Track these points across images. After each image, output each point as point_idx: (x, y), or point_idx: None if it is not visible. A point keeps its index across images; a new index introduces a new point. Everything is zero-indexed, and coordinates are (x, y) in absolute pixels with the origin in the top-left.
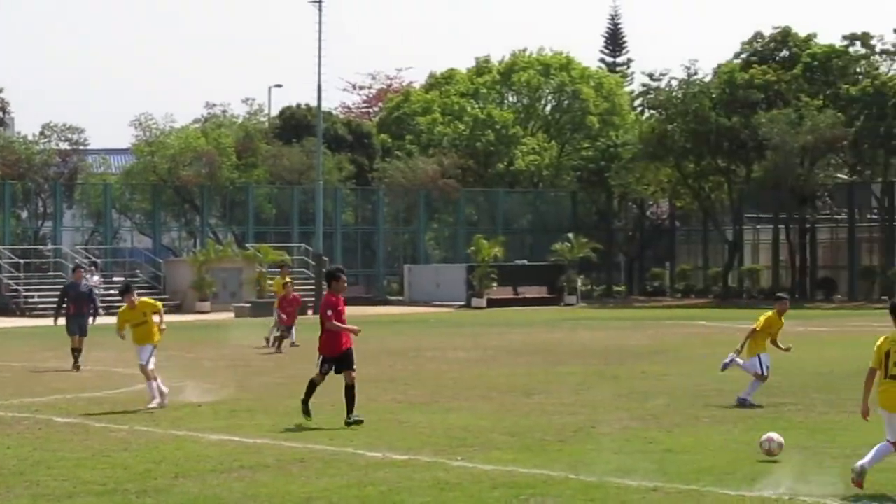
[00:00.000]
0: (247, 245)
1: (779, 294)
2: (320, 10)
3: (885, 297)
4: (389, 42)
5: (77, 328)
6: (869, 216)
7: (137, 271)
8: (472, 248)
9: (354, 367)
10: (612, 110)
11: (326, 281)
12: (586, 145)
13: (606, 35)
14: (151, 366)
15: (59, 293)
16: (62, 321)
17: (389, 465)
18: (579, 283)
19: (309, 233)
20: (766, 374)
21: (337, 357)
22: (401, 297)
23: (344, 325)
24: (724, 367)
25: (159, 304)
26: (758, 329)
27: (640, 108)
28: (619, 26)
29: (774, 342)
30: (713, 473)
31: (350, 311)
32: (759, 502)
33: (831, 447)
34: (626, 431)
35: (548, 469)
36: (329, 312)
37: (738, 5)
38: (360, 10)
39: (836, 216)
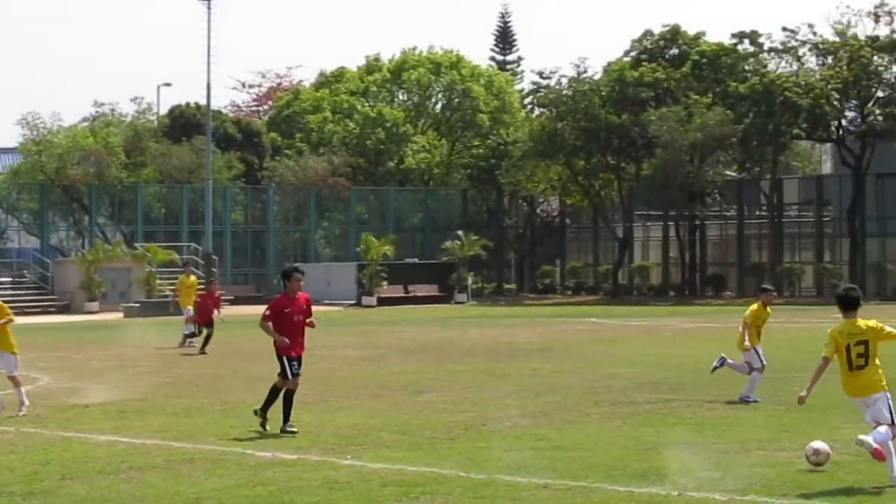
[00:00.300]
0: (136, 245)
1: (764, 286)
2: (209, 7)
3: (773, 292)
4: (279, 40)
5: None
6: (758, 213)
7: (25, 272)
8: (363, 246)
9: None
10: (503, 108)
11: (281, 279)
12: (476, 143)
13: (496, 33)
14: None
15: None
16: None
17: (279, 465)
18: (470, 281)
19: (199, 232)
20: (764, 363)
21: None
22: None
23: (274, 334)
24: (714, 368)
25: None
26: (748, 322)
27: (530, 106)
28: (509, 24)
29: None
30: (602, 470)
31: (240, 310)
32: (647, 498)
33: (720, 442)
34: (516, 429)
35: (438, 467)
36: (268, 313)
37: (628, 3)
38: (250, 7)
39: (725, 213)
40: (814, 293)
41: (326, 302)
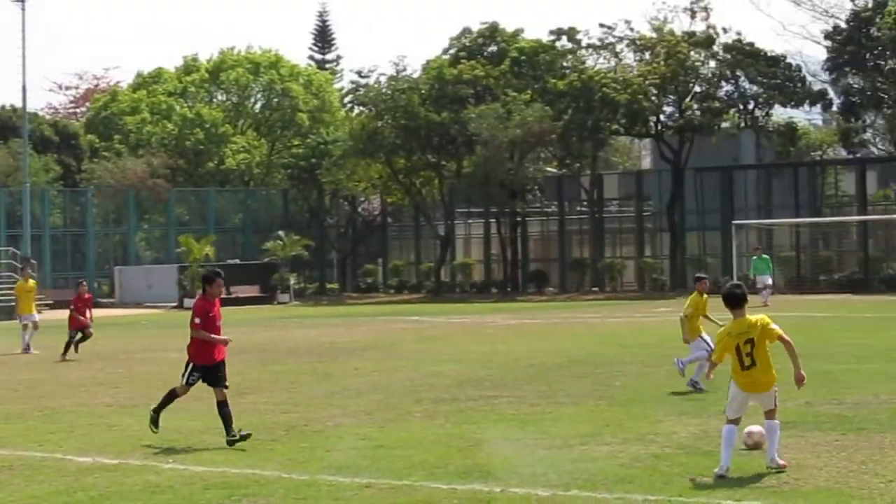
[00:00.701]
0: None
1: (697, 275)
2: (23, 8)
3: (595, 288)
4: (96, 41)
5: None
6: (578, 208)
7: None
8: (183, 248)
9: (227, 383)
10: (322, 107)
11: (202, 284)
12: (297, 143)
13: (315, 32)
14: None
15: None
16: None
17: (99, 470)
18: (292, 281)
19: (17, 236)
20: (711, 348)
21: (210, 367)
22: (112, 299)
23: (213, 336)
24: (681, 369)
25: None
26: (687, 315)
27: (349, 105)
28: (328, 23)
29: (707, 317)
30: (425, 468)
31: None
32: (470, 495)
33: (542, 438)
34: (338, 428)
35: (260, 469)
36: (197, 320)
37: (447, 1)
38: (66, 8)
39: (546, 209)
40: (635, 287)
41: (148, 304)
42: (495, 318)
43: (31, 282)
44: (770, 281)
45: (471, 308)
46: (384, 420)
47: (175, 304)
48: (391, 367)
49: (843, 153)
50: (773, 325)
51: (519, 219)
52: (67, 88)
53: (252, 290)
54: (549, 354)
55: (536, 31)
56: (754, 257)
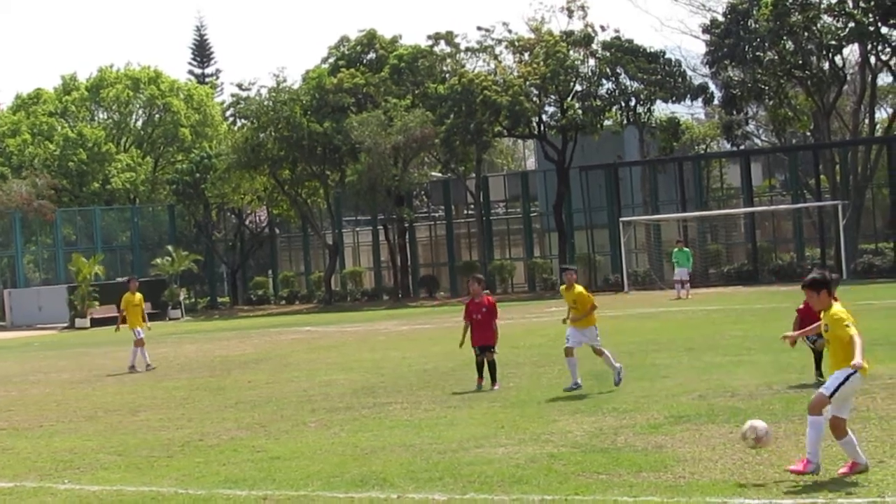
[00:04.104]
0: None
1: (563, 266)
2: None
3: (486, 291)
4: None
5: None
6: (466, 212)
7: None
8: (73, 267)
9: None
10: (204, 122)
11: None
12: (180, 158)
13: (193, 47)
14: None
15: None
16: None
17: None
18: (183, 297)
19: None
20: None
21: None
22: (2, 323)
23: None
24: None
25: None
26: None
27: (231, 119)
28: (206, 38)
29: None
30: (322, 477)
31: None
32: (368, 502)
33: (437, 442)
34: (233, 442)
35: (156, 485)
36: None
37: (323, 11)
38: None
39: (433, 214)
40: (525, 288)
41: (39, 326)
42: (387, 325)
43: (139, 295)
44: (687, 275)
45: (362, 316)
46: (279, 431)
47: (66, 325)
48: (284, 378)
49: (727, 146)
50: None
51: (407, 225)
52: None
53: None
54: (441, 358)
55: (414, 36)
56: (675, 249)
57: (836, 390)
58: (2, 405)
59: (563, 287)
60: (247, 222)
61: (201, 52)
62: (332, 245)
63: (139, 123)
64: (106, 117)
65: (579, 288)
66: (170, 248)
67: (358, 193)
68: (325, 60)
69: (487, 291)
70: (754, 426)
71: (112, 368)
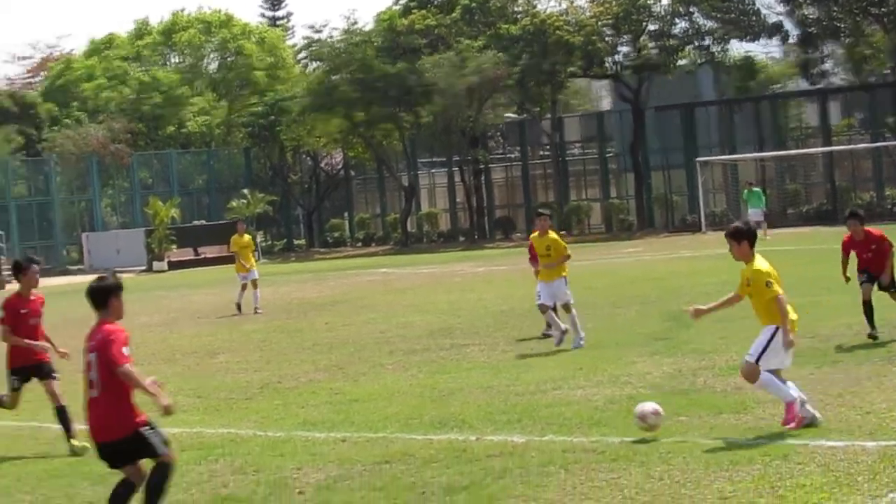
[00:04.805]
0: None
1: (539, 210)
2: None
3: (563, 232)
4: (48, 9)
5: None
6: (541, 153)
7: None
8: (150, 211)
9: (55, 375)
10: (277, 64)
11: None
12: (255, 101)
13: None
14: None
15: None
16: None
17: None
18: (259, 240)
19: None
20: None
21: (30, 367)
22: (81, 266)
23: (27, 342)
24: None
25: None
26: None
27: (304, 61)
28: None
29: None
30: (400, 419)
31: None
32: (447, 444)
33: (515, 384)
34: (311, 384)
35: (235, 427)
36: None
37: None
38: None
39: (509, 155)
40: (602, 229)
41: (117, 269)
42: (463, 267)
43: (247, 237)
44: (762, 215)
45: (438, 258)
46: (357, 373)
47: (144, 268)
48: (361, 320)
49: (804, 85)
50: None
51: (482, 166)
52: (22, 59)
53: (220, 250)
54: (518, 301)
55: None
56: (745, 190)
57: (760, 356)
58: (81, 350)
59: (534, 234)
60: (322, 165)
61: None
62: (407, 187)
63: (212, 67)
64: (179, 61)
65: (554, 234)
66: (245, 191)
67: (433, 135)
68: (396, 2)
69: (564, 232)
70: (643, 413)
71: (189, 311)
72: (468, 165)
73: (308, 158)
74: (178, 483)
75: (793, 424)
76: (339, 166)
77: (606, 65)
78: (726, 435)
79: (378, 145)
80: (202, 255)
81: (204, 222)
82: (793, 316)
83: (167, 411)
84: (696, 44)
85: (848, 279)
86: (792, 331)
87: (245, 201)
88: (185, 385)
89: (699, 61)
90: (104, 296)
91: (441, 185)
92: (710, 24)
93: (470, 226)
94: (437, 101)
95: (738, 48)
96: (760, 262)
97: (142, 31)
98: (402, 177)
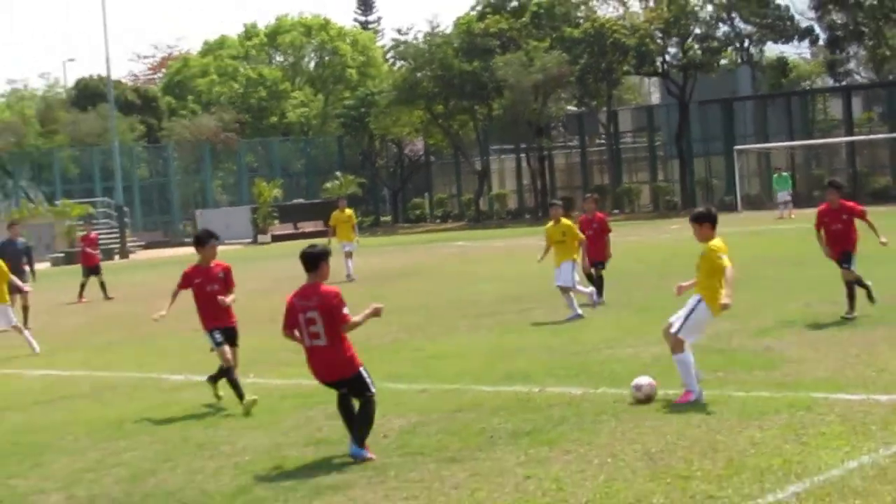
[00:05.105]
0: (56, 202)
1: (551, 201)
2: None
3: (615, 211)
4: (167, 14)
5: (15, 287)
6: (597, 141)
7: None
8: (255, 190)
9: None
10: (368, 63)
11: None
12: (347, 95)
13: None
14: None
15: None
16: None
17: (191, 387)
18: None
19: (110, 188)
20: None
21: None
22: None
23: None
24: (594, 302)
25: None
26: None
27: (391, 60)
28: None
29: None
30: (472, 373)
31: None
32: (513, 395)
33: (573, 344)
34: (395, 343)
35: None
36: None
37: None
38: None
39: (569, 143)
40: (650, 209)
41: (227, 242)
42: (529, 241)
43: (348, 211)
44: (789, 197)
45: (507, 233)
46: (435, 333)
47: (250, 241)
48: (439, 287)
49: (830, 82)
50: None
51: (545, 153)
52: (145, 57)
53: (316, 225)
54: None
55: None
56: (775, 176)
57: (681, 327)
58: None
59: (549, 224)
60: (405, 151)
61: (364, 2)
62: (480, 171)
63: (311, 65)
64: (282, 60)
65: (567, 221)
66: (338, 173)
67: (503, 125)
68: (473, 8)
69: (617, 210)
70: (639, 384)
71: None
72: (534, 152)
73: (393, 145)
74: (279, 427)
75: (682, 401)
76: (421, 152)
77: (656, 64)
78: (757, 389)
79: (455, 134)
80: (301, 230)
81: (302, 201)
82: (730, 302)
83: (377, 314)
84: (736, 45)
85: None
86: (730, 296)
87: (338, 182)
88: (286, 343)
89: (738, 61)
90: (316, 260)
91: (510, 169)
92: (748, 28)
93: (534, 205)
94: (507, 95)
95: (772, 49)
96: (716, 242)
97: (250, 33)
98: (475, 162)
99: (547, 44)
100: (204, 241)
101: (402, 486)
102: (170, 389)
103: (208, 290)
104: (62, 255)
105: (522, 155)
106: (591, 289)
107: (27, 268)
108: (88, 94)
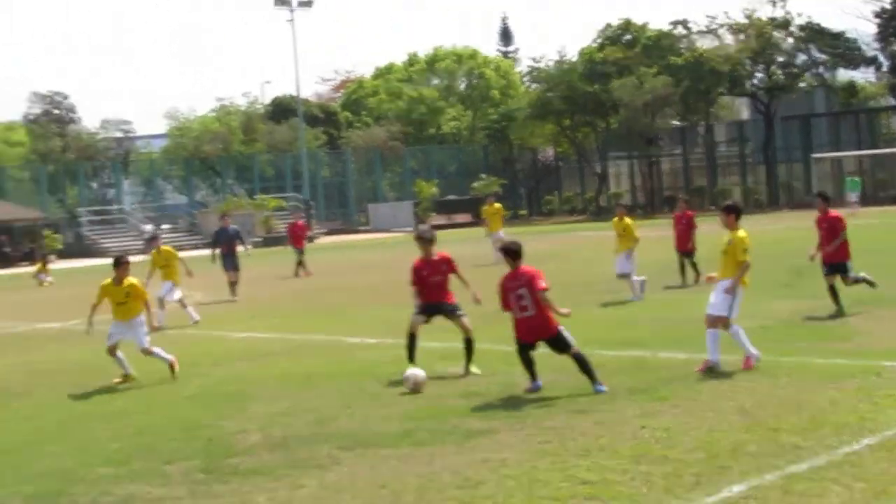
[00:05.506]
0: (255, 197)
1: (617, 202)
2: (293, 27)
3: (712, 207)
4: (346, 45)
5: (230, 265)
6: (697, 150)
7: (179, 220)
8: (416, 188)
9: (460, 313)
10: (508, 85)
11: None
12: (491, 111)
13: (500, 32)
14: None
15: (211, 238)
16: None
17: (365, 347)
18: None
19: (299, 185)
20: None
21: (433, 305)
22: (367, 227)
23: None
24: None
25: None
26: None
27: (527, 83)
28: (508, 25)
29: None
30: (597, 340)
31: (331, 239)
32: (629, 359)
33: (682, 317)
34: None
35: (478, 343)
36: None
37: (593, 4)
38: (325, 22)
39: (673, 151)
40: (741, 206)
41: (393, 230)
42: (641, 232)
43: (497, 205)
44: (856, 198)
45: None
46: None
47: (412, 229)
48: (568, 268)
49: (893, 101)
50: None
51: (654, 159)
52: (328, 80)
53: (466, 218)
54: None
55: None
56: (847, 179)
57: (730, 310)
58: (369, 285)
59: (615, 219)
60: (539, 157)
61: (505, 35)
62: (599, 173)
63: (462, 87)
64: (438, 82)
65: (628, 220)
66: (483, 175)
67: (618, 136)
68: (594, 40)
69: (713, 207)
70: (415, 378)
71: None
72: (644, 158)
73: (529, 152)
74: (439, 381)
75: (746, 367)
76: (551, 158)
77: (746, 86)
78: (834, 357)
79: (579, 143)
80: (453, 221)
81: (455, 197)
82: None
83: (565, 315)
84: (813, 71)
85: (812, 259)
86: (743, 285)
87: (483, 182)
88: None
89: (815, 84)
90: (519, 252)
91: (624, 173)
92: (823, 56)
93: (645, 202)
94: (622, 112)
95: (843, 74)
96: (743, 233)
97: (412, 60)
98: (596, 166)
99: (655, 70)
100: (427, 239)
101: (539, 432)
102: (349, 349)
103: (433, 281)
104: (260, 239)
105: (634, 161)
106: (642, 278)
107: (240, 247)
108: (282, 109)
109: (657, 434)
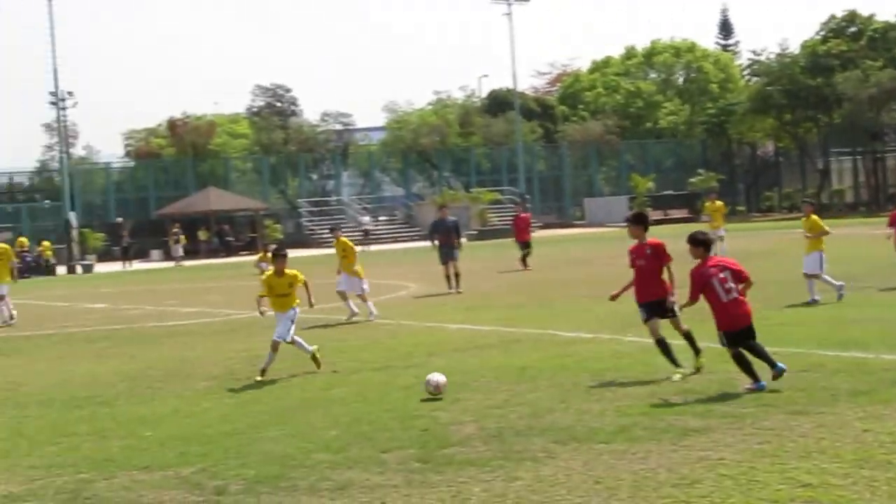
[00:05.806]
0: (471, 189)
1: (803, 199)
2: (511, 21)
3: None
4: (563, 38)
5: (447, 257)
6: None
7: (396, 212)
8: (632, 183)
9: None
10: (727, 79)
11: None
12: (709, 106)
13: (720, 24)
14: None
15: (429, 229)
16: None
17: (580, 342)
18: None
19: (514, 179)
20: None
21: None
22: (582, 221)
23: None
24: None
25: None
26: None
27: (747, 76)
28: (728, 17)
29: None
30: (815, 340)
31: (547, 232)
32: (850, 360)
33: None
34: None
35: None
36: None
37: None
38: (540, 17)
39: None
40: None
41: (608, 224)
42: (863, 230)
43: (718, 203)
44: None
45: (844, 222)
46: (780, 304)
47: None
48: (786, 266)
49: None
50: None
51: (879, 155)
52: (544, 74)
53: (682, 212)
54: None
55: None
56: None
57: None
58: (584, 280)
59: (803, 218)
60: (758, 152)
61: (725, 28)
62: (821, 169)
63: (680, 80)
64: (656, 76)
65: (815, 217)
66: (701, 170)
67: (842, 131)
68: (817, 33)
69: None
70: (436, 381)
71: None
72: (868, 154)
73: (748, 147)
74: (652, 378)
75: None
76: (771, 153)
77: None
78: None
79: (800, 138)
80: (669, 216)
81: (671, 192)
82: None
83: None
84: None
85: None
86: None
87: (701, 177)
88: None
89: None
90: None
91: (847, 169)
92: None
93: (868, 199)
94: (846, 106)
95: None
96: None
97: (630, 54)
98: (818, 162)
99: (881, 63)
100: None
101: (757, 433)
102: (564, 343)
103: (638, 265)
104: (475, 232)
105: (858, 157)
106: (840, 283)
107: (457, 240)
108: (498, 103)
109: (881, 438)
